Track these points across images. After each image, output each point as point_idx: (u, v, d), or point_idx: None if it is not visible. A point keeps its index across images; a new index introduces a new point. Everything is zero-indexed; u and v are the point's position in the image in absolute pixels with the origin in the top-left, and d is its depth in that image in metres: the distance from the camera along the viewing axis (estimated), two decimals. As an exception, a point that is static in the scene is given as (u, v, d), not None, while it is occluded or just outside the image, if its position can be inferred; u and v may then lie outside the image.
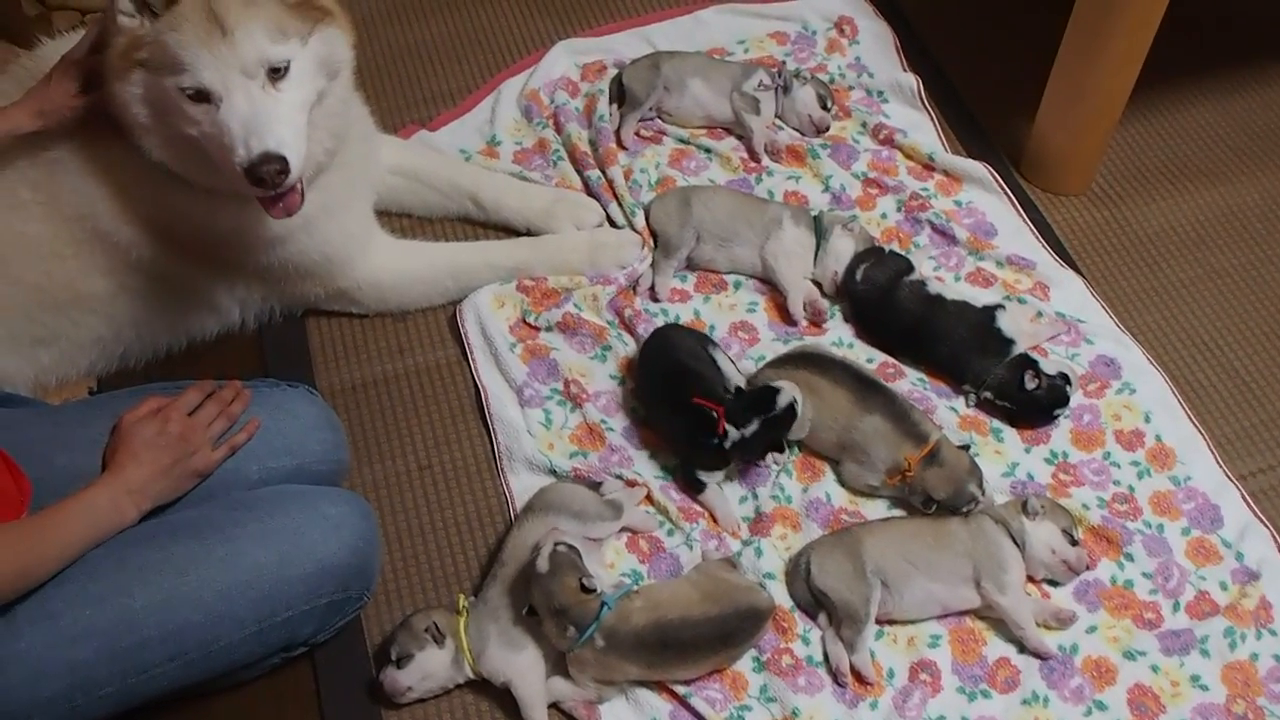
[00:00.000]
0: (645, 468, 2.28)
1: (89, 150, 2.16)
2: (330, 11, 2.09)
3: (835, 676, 2.03)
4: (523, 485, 2.26)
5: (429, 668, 1.97)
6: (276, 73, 2.00)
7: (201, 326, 2.43)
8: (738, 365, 2.34)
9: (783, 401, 2.16)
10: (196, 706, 2.00)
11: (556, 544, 1.95)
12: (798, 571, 2.10)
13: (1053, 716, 1.99)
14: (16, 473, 1.85)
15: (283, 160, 1.99)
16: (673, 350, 2.29)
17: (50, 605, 1.77)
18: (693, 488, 2.24)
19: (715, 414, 2.14)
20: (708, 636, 1.98)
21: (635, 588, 2.00)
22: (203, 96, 1.98)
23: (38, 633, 1.75)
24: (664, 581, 2.11)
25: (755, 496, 2.25)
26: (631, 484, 2.23)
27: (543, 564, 1.92)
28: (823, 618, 2.08)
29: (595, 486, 2.19)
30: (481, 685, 2.00)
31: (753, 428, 2.16)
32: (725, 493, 2.24)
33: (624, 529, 2.18)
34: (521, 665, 1.96)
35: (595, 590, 1.92)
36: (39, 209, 2.18)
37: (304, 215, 2.19)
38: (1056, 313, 2.48)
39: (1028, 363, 2.31)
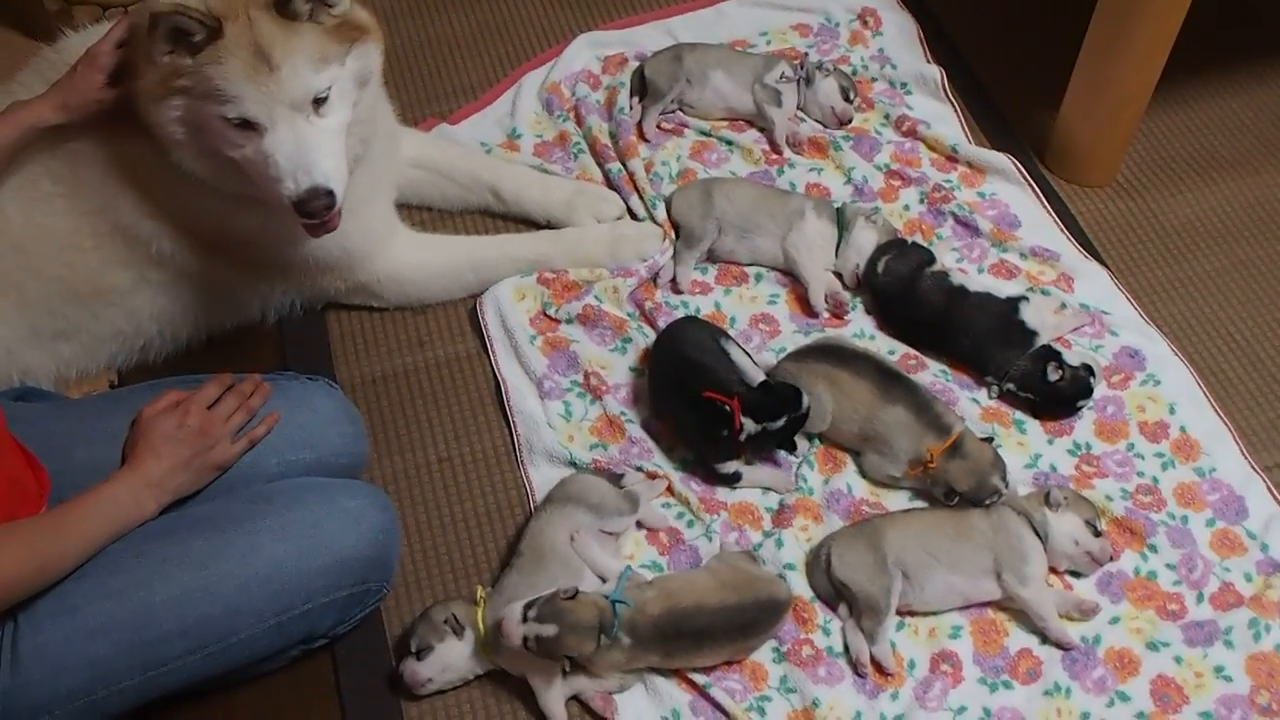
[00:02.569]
0: (665, 460, 2.28)
1: (112, 145, 2.17)
2: (367, 29, 2.08)
3: (855, 667, 2.02)
4: (543, 477, 2.26)
5: (449, 659, 1.97)
6: (319, 101, 2.00)
7: (222, 320, 2.44)
8: (756, 358, 2.33)
9: (807, 402, 2.17)
10: (217, 699, 2.00)
11: (526, 608, 1.89)
12: (818, 562, 2.10)
13: (1075, 707, 1.98)
14: (36, 466, 1.85)
15: (330, 194, 2.01)
16: (679, 345, 2.28)
17: (70, 600, 1.77)
18: (726, 483, 2.24)
19: (729, 407, 2.14)
20: (724, 625, 1.98)
21: (633, 573, 2.00)
22: (247, 125, 1.98)
23: (58, 627, 1.76)
24: (681, 572, 2.11)
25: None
26: (652, 476, 2.22)
27: (532, 639, 1.88)
28: (843, 608, 2.07)
29: (616, 479, 2.19)
30: (500, 676, 2.00)
31: (778, 424, 2.16)
32: (757, 468, 2.24)
33: (638, 524, 2.18)
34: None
35: (575, 593, 1.90)
36: (61, 201, 2.19)
37: None
38: (1080, 304, 2.47)
39: (1051, 354, 2.30)
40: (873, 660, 2.02)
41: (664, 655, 1.97)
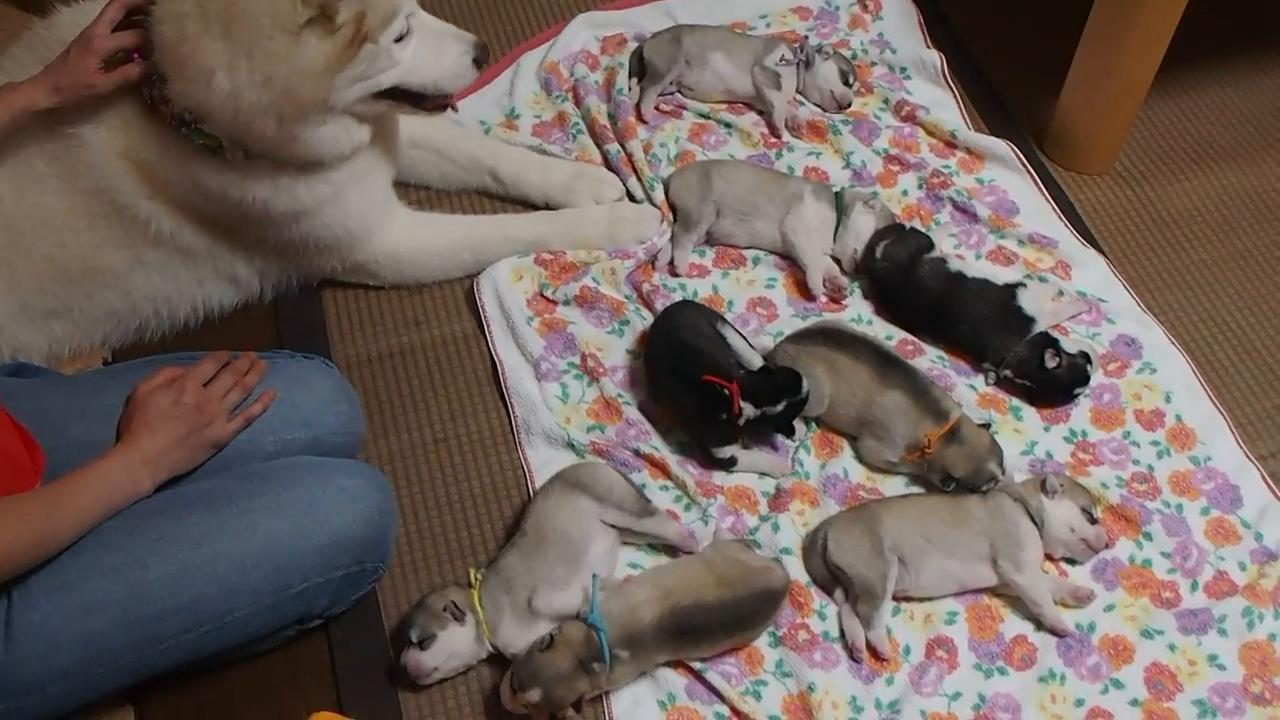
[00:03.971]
0: (662, 442, 2.28)
1: (109, 127, 2.15)
2: None
3: (851, 652, 2.02)
4: (540, 458, 2.26)
5: (454, 646, 1.96)
6: None
7: (218, 300, 2.43)
8: (754, 342, 2.33)
9: (806, 387, 2.17)
10: (212, 677, 2.00)
11: (511, 679, 1.90)
12: (815, 547, 2.10)
13: (1069, 694, 1.99)
14: (30, 443, 1.85)
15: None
16: (676, 330, 2.28)
17: (65, 576, 1.77)
18: (722, 467, 2.24)
19: (728, 391, 2.13)
20: (723, 620, 1.98)
21: (601, 580, 1.99)
22: (402, 37, 2.12)
23: (53, 603, 1.75)
24: (674, 564, 2.09)
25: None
26: (653, 464, 2.23)
27: (530, 707, 1.89)
28: (839, 593, 2.07)
29: (646, 503, 2.14)
30: (495, 659, 2.00)
31: (777, 409, 2.16)
32: (754, 452, 2.24)
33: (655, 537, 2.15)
34: (528, 639, 1.95)
35: (550, 641, 1.89)
36: (55, 182, 2.19)
37: (334, 186, 2.23)
38: (1078, 292, 2.47)
39: (1048, 341, 2.30)
40: (868, 645, 2.02)
41: (671, 651, 1.97)
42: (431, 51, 2.20)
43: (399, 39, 2.13)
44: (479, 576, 2.00)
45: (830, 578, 2.08)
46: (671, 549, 2.14)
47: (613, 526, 2.09)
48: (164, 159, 2.16)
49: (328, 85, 2.07)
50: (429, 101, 2.27)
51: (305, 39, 2.00)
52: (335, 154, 2.19)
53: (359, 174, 2.31)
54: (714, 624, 1.97)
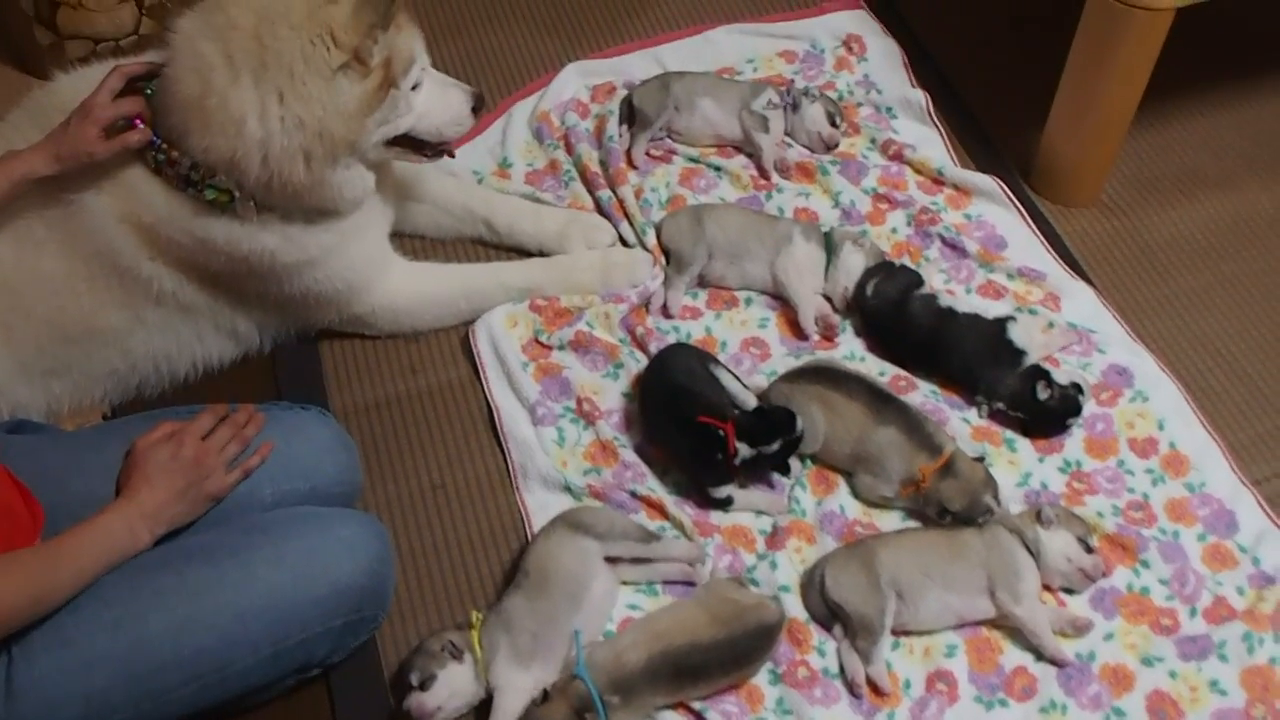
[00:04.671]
0: (658, 483, 2.29)
1: (109, 193, 2.18)
2: None
3: (851, 688, 2.02)
4: (538, 502, 2.27)
5: (455, 685, 1.95)
6: None
7: (219, 354, 2.44)
8: (748, 381, 2.34)
9: (801, 426, 2.18)
10: (213, 728, 2.01)
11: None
12: (813, 584, 2.10)
13: (1071, 724, 1.99)
14: (30, 498, 1.85)
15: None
16: (670, 372, 2.29)
17: (65, 632, 1.77)
18: (719, 506, 2.25)
19: (723, 432, 2.14)
20: (719, 660, 1.97)
21: (584, 637, 2.00)
22: (416, 85, 2.21)
23: (53, 660, 1.75)
24: (665, 609, 2.08)
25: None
26: (651, 505, 2.24)
27: None
28: (838, 629, 2.07)
29: (650, 534, 2.17)
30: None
31: (773, 448, 2.17)
32: (750, 491, 2.25)
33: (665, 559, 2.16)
34: (518, 683, 1.95)
35: (545, 696, 1.91)
36: (54, 246, 2.21)
37: (340, 235, 2.28)
38: (1068, 323, 2.48)
39: (1040, 373, 2.30)
40: (868, 680, 2.02)
41: (667, 694, 1.97)
42: (439, 99, 2.28)
43: (414, 87, 2.20)
44: (480, 617, 2.01)
45: (829, 614, 2.08)
46: (674, 592, 2.15)
47: (619, 560, 2.11)
48: (168, 220, 2.18)
49: (360, 127, 2.14)
50: (430, 148, 2.33)
51: (339, 82, 2.08)
52: (352, 199, 2.25)
53: (361, 225, 2.34)
54: (712, 663, 1.97)
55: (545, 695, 1.91)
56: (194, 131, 2.09)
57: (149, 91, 2.15)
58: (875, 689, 2.02)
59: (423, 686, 1.94)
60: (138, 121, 2.12)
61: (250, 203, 2.16)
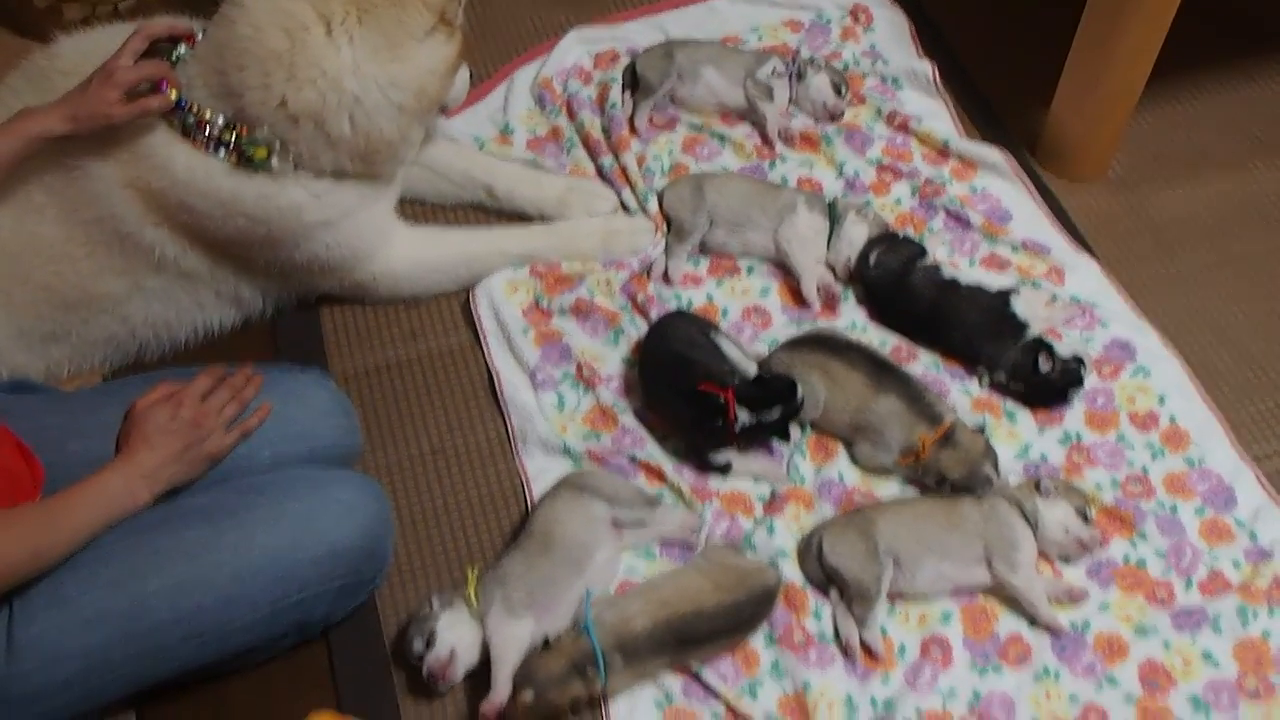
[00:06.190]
0: (658, 449, 2.29)
1: (116, 160, 2.18)
2: None
3: (845, 651, 2.03)
4: (537, 467, 2.27)
5: (457, 630, 1.96)
6: None
7: (219, 320, 2.46)
8: (749, 350, 2.34)
9: (801, 394, 2.18)
10: (212, 685, 2.01)
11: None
12: (810, 550, 2.11)
13: (1064, 691, 1.99)
14: (30, 458, 1.86)
15: None
16: (670, 339, 2.30)
17: (64, 590, 1.78)
18: (717, 473, 2.25)
19: (724, 398, 2.15)
20: (726, 626, 1.99)
21: (594, 596, 2.00)
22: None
23: (53, 617, 1.77)
24: (667, 575, 2.09)
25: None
26: (651, 471, 2.25)
27: (524, 709, 1.91)
28: (834, 593, 2.08)
29: (653, 499, 2.18)
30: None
31: (773, 415, 2.17)
32: (749, 458, 2.25)
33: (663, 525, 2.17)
34: (511, 631, 1.95)
35: (546, 642, 1.92)
36: (54, 212, 2.21)
37: (359, 197, 2.32)
38: (1071, 297, 2.48)
39: (1041, 345, 2.31)
40: (862, 644, 2.03)
41: (669, 660, 1.99)
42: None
43: None
44: (475, 572, 2.02)
45: (825, 580, 2.09)
46: (670, 555, 2.16)
47: (623, 526, 2.11)
48: (187, 184, 2.18)
49: (446, 86, 2.32)
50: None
51: (430, 43, 2.22)
52: (407, 160, 2.40)
53: (379, 190, 2.38)
54: (717, 630, 1.98)
55: (546, 643, 1.92)
56: (275, 84, 2.12)
57: (174, 57, 2.15)
58: (869, 653, 2.03)
59: (429, 646, 1.95)
60: (162, 85, 2.12)
61: (289, 156, 2.19)
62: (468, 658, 1.97)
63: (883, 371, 2.25)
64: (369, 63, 2.15)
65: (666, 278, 2.54)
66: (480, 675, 2.00)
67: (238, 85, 2.12)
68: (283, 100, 2.13)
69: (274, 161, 2.18)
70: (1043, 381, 2.30)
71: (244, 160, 2.17)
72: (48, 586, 1.78)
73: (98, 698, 1.85)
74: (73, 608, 1.78)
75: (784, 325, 2.47)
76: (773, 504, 2.21)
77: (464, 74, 2.41)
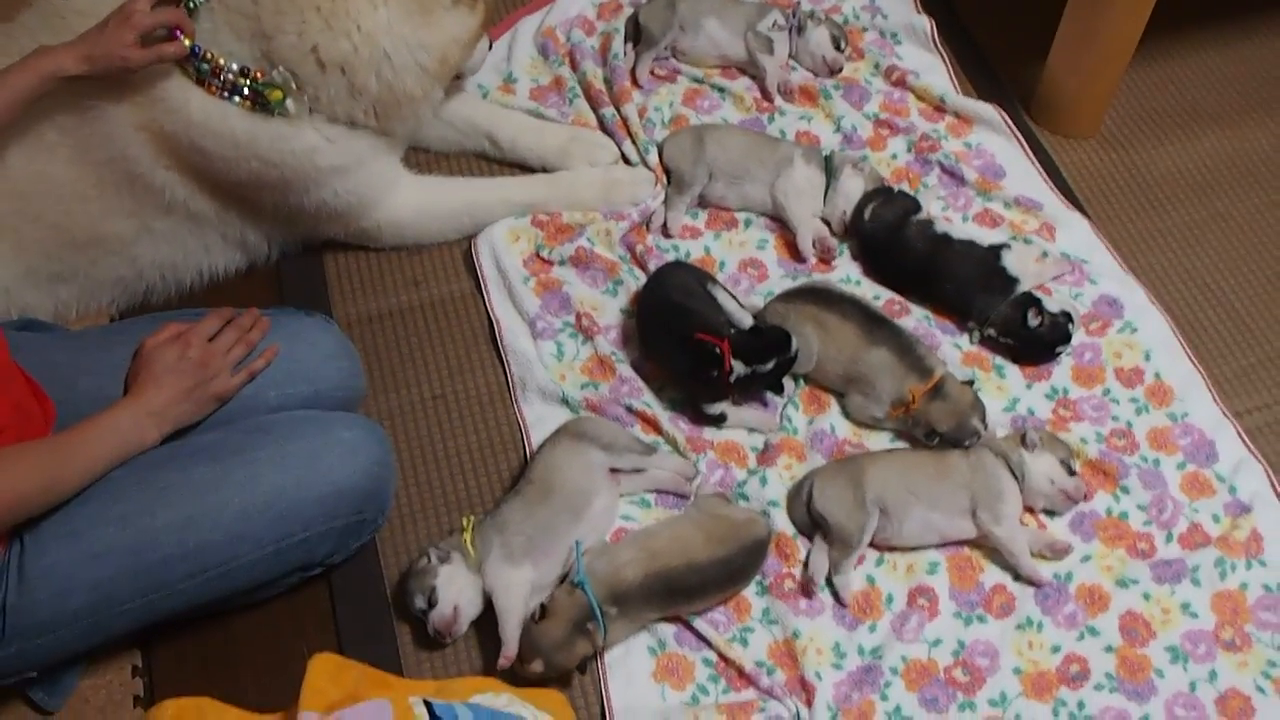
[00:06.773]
0: (654, 399, 2.32)
1: (132, 103, 2.19)
2: None
3: (807, 584, 2.07)
4: (536, 414, 2.31)
5: (457, 583, 1.99)
6: None
7: (224, 264, 2.48)
8: (744, 302, 2.37)
9: (796, 346, 2.21)
10: (217, 622, 2.06)
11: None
12: (799, 495, 2.15)
13: (1046, 641, 2.04)
14: (41, 395, 1.90)
15: None
16: (668, 290, 2.32)
17: (74, 524, 1.82)
18: (712, 422, 2.29)
19: (719, 349, 2.18)
20: (718, 578, 2.02)
21: (585, 547, 2.03)
22: None
23: (63, 549, 1.80)
24: (659, 525, 2.11)
25: (761, 427, 2.30)
26: (647, 421, 2.28)
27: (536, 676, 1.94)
28: (817, 538, 2.11)
29: (649, 448, 2.21)
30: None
31: (767, 366, 2.20)
32: (743, 409, 2.29)
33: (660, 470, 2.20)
34: (511, 579, 1.98)
35: (541, 611, 1.93)
36: (66, 151, 2.22)
37: (370, 145, 2.36)
38: (1061, 253, 2.51)
39: (1031, 300, 2.34)
40: (829, 584, 2.08)
41: (659, 610, 2.02)
42: None
43: None
44: (471, 521, 2.05)
45: (811, 524, 2.12)
46: (665, 503, 2.20)
47: (621, 472, 2.15)
48: (201, 127, 2.20)
49: (468, 55, 2.43)
50: None
51: (456, 12, 2.33)
52: (427, 119, 2.48)
53: (389, 141, 2.42)
54: (709, 583, 2.02)
55: (542, 610, 1.94)
56: (310, 31, 2.17)
57: (191, 4, 2.16)
58: (836, 596, 2.08)
59: (430, 603, 1.99)
60: (177, 33, 2.13)
61: (304, 98, 2.22)
62: (470, 610, 2.01)
63: (875, 324, 2.28)
64: (402, 24, 2.24)
65: (665, 229, 2.56)
66: (479, 620, 2.04)
67: (271, 28, 2.15)
68: (314, 47, 2.17)
69: (290, 104, 2.20)
70: (1032, 336, 2.33)
71: (259, 104, 2.19)
72: (58, 520, 1.81)
73: (105, 630, 1.88)
74: (83, 541, 1.81)
75: (780, 278, 2.50)
76: (766, 454, 2.25)
77: (484, 45, 2.52)
